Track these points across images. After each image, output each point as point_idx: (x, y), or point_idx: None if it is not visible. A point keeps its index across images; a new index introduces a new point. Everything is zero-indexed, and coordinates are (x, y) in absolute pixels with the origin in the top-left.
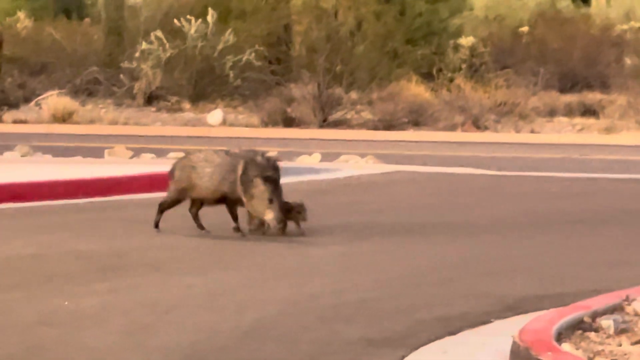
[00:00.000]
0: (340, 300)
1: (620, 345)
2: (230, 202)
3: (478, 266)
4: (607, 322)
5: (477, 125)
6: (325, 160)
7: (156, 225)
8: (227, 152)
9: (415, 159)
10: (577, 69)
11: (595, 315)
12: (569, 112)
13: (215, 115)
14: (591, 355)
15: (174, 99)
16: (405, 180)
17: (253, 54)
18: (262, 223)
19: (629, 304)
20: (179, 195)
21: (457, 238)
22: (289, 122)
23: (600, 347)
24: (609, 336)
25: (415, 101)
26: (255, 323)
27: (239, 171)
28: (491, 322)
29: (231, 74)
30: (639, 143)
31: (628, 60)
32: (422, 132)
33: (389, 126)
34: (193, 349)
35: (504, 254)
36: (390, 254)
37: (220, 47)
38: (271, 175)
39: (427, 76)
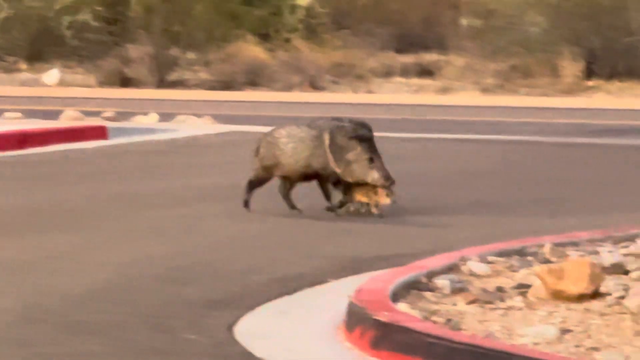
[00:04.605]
0: (179, 262)
1: (455, 304)
2: (322, 178)
3: (318, 227)
4: (443, 282)
5: (315, 85)
6: (162, 121)
7: (245, 204)
8: (309, 125)
9: (253, 120)
10: (414, 30)
11: (431, 275)
12: (406, 72)
13: (52, 75)
14: (427, 315)
15: (11, 59)
16: (242, 140)
17: (90, 15)
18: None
19: (465, 264)
20: (266, 174)
21: (299, 198)
22: (126, 82)
23: (436, 307)
24: (444, 296)
25: (252, 62)
26: (94, 285)
27: (326, 141)
28: (328, 282)
29: (68, 34)
30: (475, 103)
31: (464, 22)
32: (259, 92)
33: (226, 87)
34: (29, 311)
35: (340, 215)
36: (229, 215)
37: (57, 7)
38: (364, 133)
39: (265, 37)
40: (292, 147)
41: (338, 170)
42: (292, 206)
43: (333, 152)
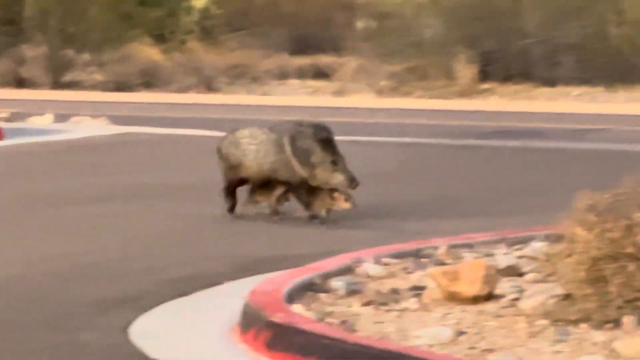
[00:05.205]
0: (76, 262)
1: (350, 306)
2: (288, 185)
3: (216, 228)
4: (338, 284)
5: (210, 87)
6: (57, 122)
7: (230, 210)
8: (271, 129)
9: (148, 121)
10: (309, 32)
11: (326, 276)
12: (301, 74)
13: None
14: (322, 316)
15: None
16: (138, 141)
17: None
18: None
19: (360, 266)
20: (233, 175)
21: (198, 199)
22: (21, 82)
23: (331, 308)
24: (339, 297)
25: (147, 63)
26: None
27: (287, 147)
28: (223, 283)
29: None
30: (370, 105)
31: (359, 24)
32: (154, 93)
33: (121, 88)
34: None
35: (240, 216)
36: (127, 215)
37: None
38: (325, 136)
39: (160, 38)
40: (255, 149)
41: (305, 176)
42: (232, 209)
43: (297, 157)
